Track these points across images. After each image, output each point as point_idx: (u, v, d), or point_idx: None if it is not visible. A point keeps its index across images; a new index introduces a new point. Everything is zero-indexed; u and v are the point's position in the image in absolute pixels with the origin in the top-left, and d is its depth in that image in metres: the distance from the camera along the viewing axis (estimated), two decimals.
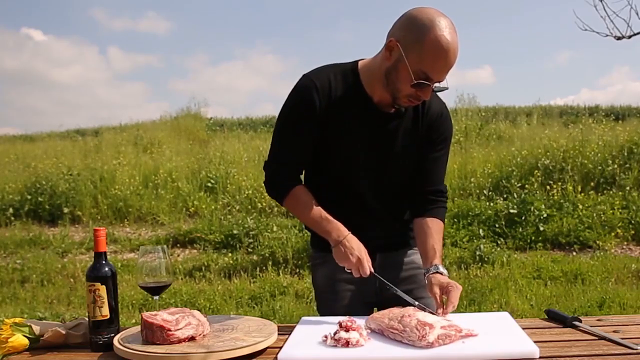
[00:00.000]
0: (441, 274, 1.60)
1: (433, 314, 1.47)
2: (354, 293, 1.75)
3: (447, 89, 1.56)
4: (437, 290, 1.55)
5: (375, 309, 1.70)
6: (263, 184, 1.78)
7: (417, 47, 1.47)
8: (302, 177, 1.75)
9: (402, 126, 1.66)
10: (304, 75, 1.64)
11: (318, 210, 1.64)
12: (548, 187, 7.33)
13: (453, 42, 1.46)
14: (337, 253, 1.60)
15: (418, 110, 1.67)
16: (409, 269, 1.78)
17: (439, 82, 1.52)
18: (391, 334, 1.36)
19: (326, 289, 1.79)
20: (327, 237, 1.63)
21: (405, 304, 1.55)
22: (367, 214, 1.72)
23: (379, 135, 1.65)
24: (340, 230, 1.61)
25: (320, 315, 1.80)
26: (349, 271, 1.60)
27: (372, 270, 1.59)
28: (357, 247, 1.58)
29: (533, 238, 6.39)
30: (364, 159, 1.67)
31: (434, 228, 1.69)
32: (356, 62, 1.67)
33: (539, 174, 7.57)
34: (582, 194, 7.18)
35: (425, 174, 1.73)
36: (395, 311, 1.44)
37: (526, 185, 7.45)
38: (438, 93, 1.61)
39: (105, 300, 1.40)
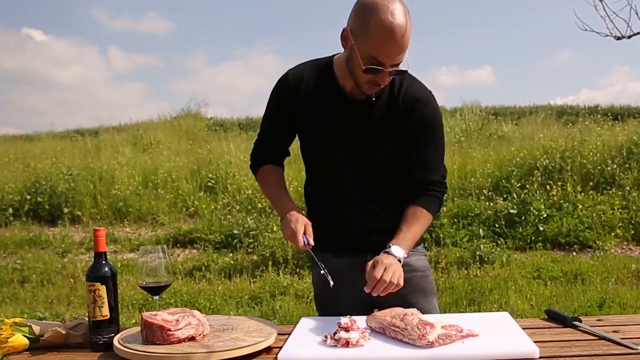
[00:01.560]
0: (388, 253, 1.55)
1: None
2: (351, 292, 1.75)
3: (405, 71, 1.57)
4: (367, 266, 1.53)
5: (375, 309, 1.70)
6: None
7: (364, 32, 1.50)
8: (279, 158, 1.86)
9: (375, 113, 1.66)
10: (286, 71, 1.75)
11: (275, 188, 1.78)
12: (548, 187, 7.33)
13: (399, 24, 1.46)
14: (281, 227, 1.68)
15: (393, 96, 1.66)
16: (404, 271, 1.75)
17: (393, 65, 1.52)
18: (392, 332, 1.37)
19: (323, 288, 1.79)
20: (278, 212, 1.72)
21: (406, 305, 1.53)
22: (354, 205, 1.73)
23: (352, 124, 1.67)
24: (285, 206, 1.69)
25: (319, 314, 1.81)
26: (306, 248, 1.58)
27: (307, 244, 1.58)
28: (294, 220, 1.61)
29: (533, 238, 6.39)
30: (340, 148, 1.70)
31: (412, 213, 1.66)
32: (333, 55, 1.72)
33: (538, 174, 7.57)
34: (582, 194, 7.18)
35: (411, 161, 1.70)
36: (398, 310, 1.45)
37: (526, 185, 7.45)
38: (423, 82, 1.67)
39: (105, 300, 1.40)
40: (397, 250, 1.56)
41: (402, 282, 1.52)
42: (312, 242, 1.59)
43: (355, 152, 1.69)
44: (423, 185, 1.70)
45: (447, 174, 1.76)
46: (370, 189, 1.73)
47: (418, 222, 1.65)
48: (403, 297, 1.62)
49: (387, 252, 1.56)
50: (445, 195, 1.79)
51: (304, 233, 1.59)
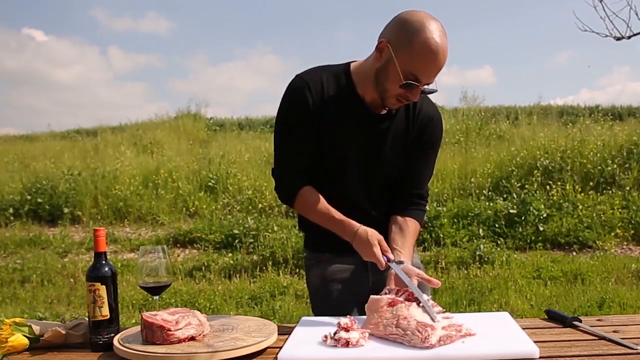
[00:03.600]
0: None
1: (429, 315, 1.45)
2: (347, 293, 1.75)
3: (436, 91, 1.58)
4: (391, 283, 1.56)
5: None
6: (274, 190, 1.79)
7: (407, 48, 1.49)
8: (309, 177, 1.72)
9: (392, 127, 1.67)
10: (296, 76, 1.65)
11: (326, 209, 1.66)
12: (548, 187, 7.33)
13: (442, 45, 1.48)
14: (357, 246, 1.61)
15: (409, 112, 1.69)
16: None
17: (428, 84, 1.54)
18: (391, 338, 1.36)
19: (319, 289, 1.80)
20: (341, 234, 1.64)
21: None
22: (359, 213, 1.72)
23: (369, 136, 1.67)
24: (351, 224, 1.62)
25: (315, 316, 1.80)
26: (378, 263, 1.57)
27: (387, 261, 1.58)
28: (374, 236, 1.59)
29: (533, 238, 6.39)
30: (354, 159, 1.69)
31: (408, 227, 1.72)
32: (348, 63, 1.69)
33: (538, 174, 7.57)
34: (582, 194, 7.18)
35: (410, 176, 1.76)
36: (387, 316, 1.41)
37: (526, 185, 7.45)
38: (430, 96, 1.67)
39: (105, 300, 1.40)
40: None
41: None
42: (391, 257, 1.59)
43: (367, 162, 1.70)
44: (415, 197, 1.76)
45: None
46: (376, 197, 1.75)
47: (414, 236, 1.73)
48: None
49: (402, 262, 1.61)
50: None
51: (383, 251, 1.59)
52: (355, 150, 1.67)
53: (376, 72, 1.57)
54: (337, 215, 1.65)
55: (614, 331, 1.42)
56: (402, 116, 1.69)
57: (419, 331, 1.31)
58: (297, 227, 6.67)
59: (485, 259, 5.78)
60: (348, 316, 1.39)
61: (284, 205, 7.12)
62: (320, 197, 1.67)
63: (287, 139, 1.68)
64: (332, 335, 1.35)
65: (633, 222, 6.56)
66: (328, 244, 1.73)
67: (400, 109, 1.67)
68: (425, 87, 1.54)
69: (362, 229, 1.60)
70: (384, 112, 1.66)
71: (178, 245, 6.94)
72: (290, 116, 1.65)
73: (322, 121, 1.63)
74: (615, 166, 7.62)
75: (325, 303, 1.76)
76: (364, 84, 1.63)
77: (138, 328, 1.44)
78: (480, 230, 6.50)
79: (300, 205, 1.71)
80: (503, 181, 7.65)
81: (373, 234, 1.59)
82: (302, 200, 1.69)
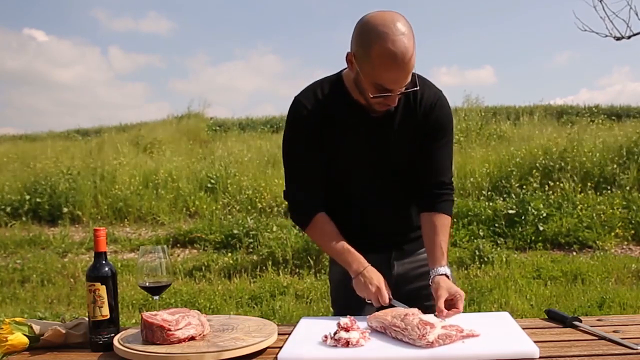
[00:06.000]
0: (447, 276, 1.62)
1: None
2: None
3: (416, 89, 1.55)
4: (443, 294, 1.56)
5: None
6: (288, 211, 1.81)
7: (367, 61, 1.48)
8: (323, 198, 1.73)
9: (396, 123, 1.66)
10: (294, 99, 1.68)
11: (340, 241, 1.67)
12: (547, 187, 7.33)
13: (402, 50, 1.43)
14: (357, 284, 1.63)
15: (410, 103, 1.65)
16: (425, 265, 1.76)
17: (401, 88, 1.51)
18: (393, 331, 1.37)
19: (341, 285, 1.79)
20: (347, 268, 1.66)
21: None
22: (372, 210, 1.73)
23: (374, 137, 1.66)
24: (360, 262, 1.64)
25: (335, 310, 1.83)
26: (369, 301, 1.62)
27: (391, 298, 1.61)
28: (376, 278, 1.61)
29: (533, 238, 6.39)
30: (363, 162, 1.68)
31: (441, 224, 1.68)
32: (340, 72, 1.69)
33: (538, 173, 7.57)
34: (582, 194, 7.18)
35: (428, 166, 1.70)
36: (399, 310, 1.45)
37: (525, 185, 7.45)
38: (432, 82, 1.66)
39: (105, 300, 1.40)
40: (447, 270, 1.63)
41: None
42: (391, 298, 1.61)
43: (376, 162, 1.69)
44: (437, 188, 1.70)
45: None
46: (388, 195, 1.74)
47: (447, 231, 1.70)
48: (424, 289, 1.68)
49: (447, 275, 1.62)
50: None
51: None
52: (363, 154, 1.67)
53: (354, 82, 1.58)
54: (349, 248, 1.66)
55: (614, 331, 1.41)
56: (402, 109, 1.65)
57: (418, 328, 1.31)
58: (297, 227, 6.70)
59: (485, 259, 5.78)
60: (348, 316, 1.39)
61: (284, 205, 7.13)
62: (333, 226, 1.69)
63: (294, 163, 1.70)
64: (332, 335, 1.35)
65: (633, 222, 6.56)
66: (351, 240, 1.72)
67: (401, 102, 1.63)
68: (403, 91, 1.52)
69: (370, 269, 1.63)
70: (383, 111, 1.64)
71: (178, 245, 6.94)
72: (294, 141, 1.68)
73: (326, 133, 1.64)
74: (614, 166, 7.62)
75: (345, 299, 1.75)
76: (354, 89, 1.62)
77: (138, 328, 1.44)
78: (480, 230, 6.50)
79: (313, 233, 1.73)
80: (503, 181, 7.65)
81: (377, 275, 1.62)
82: (315, 227, 1.70)
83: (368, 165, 1.69)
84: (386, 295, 1.59)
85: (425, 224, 1.71)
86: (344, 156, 1.68)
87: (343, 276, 1.76)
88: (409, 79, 1.51)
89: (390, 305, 1.59)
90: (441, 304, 1.54)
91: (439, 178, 1.71)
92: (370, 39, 1.45)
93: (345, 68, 1.68)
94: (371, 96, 1.50)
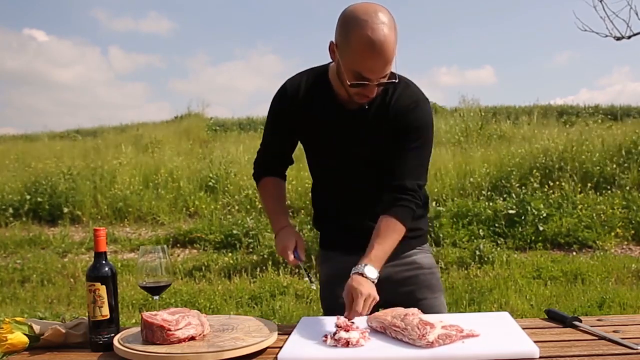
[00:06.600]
0: (362, 274, 1.52)
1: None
2: None
3: (395, 82, 1.55)
4: (344, 293, 1.52)
5: (380, 309, 1.70)
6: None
7: (347, 48, 1.50)
8: (281, 168, 1.87)
9: (368, 120, 1.66)
10: (285, 81, 1.76)
11: (272, 203, 1.83)
12: (547, 187, 7.33)
13: (379, 40, 1.44)
14: (275, 244, 1.76)
15: (385, 101, 1.64)
16: (411, 269, 1.78)
17: (380, 78, 1.51)
18: (393, 331, 1.37)
19: (327, 286, 1.82)
20: (272, 229, 1.80)
21: (407, 304, 1.54)
22: (356, 206, 1.76)
23: (348, 130, 1.68)
24: (279, 222, 1.76)
25: (324, 311, 1.83)
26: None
27: (298, 259, 1.66)
28: (286, 238, 1.69)
29: (533, 238, 6.39)
30: (339, 153, 1.72)
31: (385, 227, 1.60)
32: (328, 64, 1.72)
33: (538, 173, 7.57)
34: (582, 194, 7.18)
35: (393, 167, 1.64)
36: (399, 310, 1.45)
37: (525, 185, 7.44)
38: (416, 84, 1.68)
39: (105, 300, 1.40)
40: (371, 271, 1.53)
41: (377, 298, 1.51)
42: (303, 257, 1.66)
43: (353, 157, 1.71)
44: (396, 191, 1.63)
45: (425, 184, 1.69)
46: (370, 190, 1.73)
47: (391, 236, 1.60)
48: (411, 294, 1.68)
49: (361, 274, 1.52)
50: (417, 205, 1.67)
51: (295, 248, 1.67)
52: (339, 145, 1.70)
53: (337, 73, 1.60)
54: (277, 210, 1.81)
55: (614, 331, 1.42)
56: (378, 106, 1.64)
57: (418, 328, 1.32)
58: (296, 227, 6.71)
59: (485, 259, 5.78)
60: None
61: None
62: (277, 189, 1.84)
63: (266, 131, 1.83)
64: (332, 335, 1.35)
65: (633, 222, 6.55)
66: (339, 242, 1.78)
67: (376, 100, 1.62)
68: (381, 81, 1.52)
69: (286, 228, 1.73)
70: (357, 106, 1.63)
71: (178, 245, 6.94)
72: (270, 113, 1.79)
73: (303, 120, 1.71)
74: (614, 166, 7.62)
75: (332, 300, 1.76)
76: (337, 82, 1.64)
77: (138, 328, 1.44)
78: (480, 230, 6.50)
79: (260, 191, 1.90)
80: (503, 181, 7.65)
81: (292, 234, 1.70)
82: (262, 186, 1.86)
83: (343, 157, 1.72)
84: (291, 256, 1.65)
85: (376, 225, 1.64)
86: (321, 145, 1.75)
87: (328, 277, 1.81)
88: (388, 70, 1.51)
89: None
90: (347, 303, 1.50)
91: (400, 182, 1.63)
92: (350, 26, 1.47)
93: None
94: (349, 83, 1.52)
